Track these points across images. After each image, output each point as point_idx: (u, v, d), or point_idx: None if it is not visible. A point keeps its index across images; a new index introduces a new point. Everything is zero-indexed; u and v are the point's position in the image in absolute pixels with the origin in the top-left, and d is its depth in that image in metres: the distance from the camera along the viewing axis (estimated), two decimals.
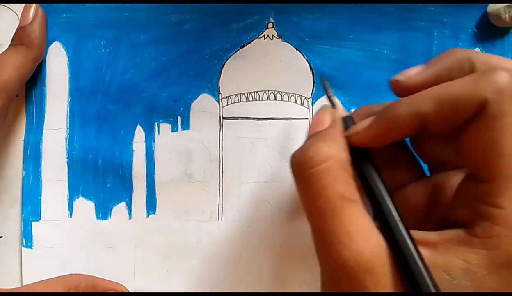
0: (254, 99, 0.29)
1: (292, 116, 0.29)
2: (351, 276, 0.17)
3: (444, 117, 0.18)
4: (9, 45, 0.28)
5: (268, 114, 0.29)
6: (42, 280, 0.27)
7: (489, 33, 0.29)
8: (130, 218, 0.29)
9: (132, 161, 0.29)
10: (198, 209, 0.29)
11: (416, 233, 0.18)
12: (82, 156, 0.29)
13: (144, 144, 0.29)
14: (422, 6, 0.29)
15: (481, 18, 0.29)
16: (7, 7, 0.29)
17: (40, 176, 0.29)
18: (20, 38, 0.27)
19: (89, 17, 0.29)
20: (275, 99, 0.29)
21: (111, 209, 0.29)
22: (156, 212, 0.29)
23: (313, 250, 0.19)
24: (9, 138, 0.29)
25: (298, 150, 0.20)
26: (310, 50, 0.29)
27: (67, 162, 0.29)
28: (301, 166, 0.19)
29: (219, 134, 0.29)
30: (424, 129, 0.19)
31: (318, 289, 0.19)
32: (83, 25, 0.29)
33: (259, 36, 0.29)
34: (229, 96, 0.29)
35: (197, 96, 0.29)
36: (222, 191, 0.29)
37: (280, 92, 0.29)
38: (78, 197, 0.29)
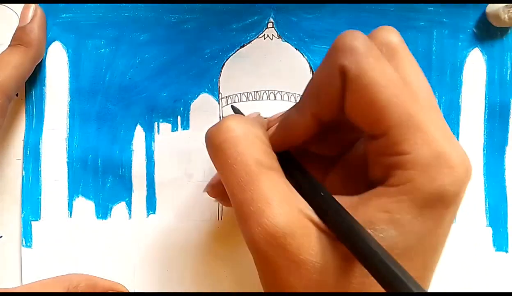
0: (254, 99, 0.29)
1: None
2: (272, 242, 0.17)
3: (324, 103, 0.18)
4: (9, 45, 0.28)
5: (268, 114, 0.29)
6: (42, 280, 0.27)
7: (488, 33, 0.29)
8: (130, 217, 0.29)
9: (132, 160, 0.29)
10: (198, 209, 0.29)
11: (338, 198, 0.18)
12: (82, 155, 0.29)
13: (144, 144, 0.29)
14: (421, 6, 0.29)
15: (480, 18, 0.29)
16: (7, 7, 0.29)
17: (40, 176, 0.29)
18: (19, 38, 0.27)
19: (89, 17, 0.29)
20: (275, 99, 0.29)
21: (111, 208, 0.29)
22: (156, 212, 0.29)
23: None
24: (9, 138, 0.29)
25: (213, 125, 0.20)
26: (310, 50, 0.29)
27: (67, 162, 0.29)
28: (216, 134, 0.19)
29: None
30: (321, 125, 0.19)
31: None
32: (83, 25, 0.29)
33: (259, 36, 0.29)
34: (229, 96, 0.29)
35: (197, 96, 0.29)
36: None
37: (280, 92, 0.29)
38: (78, 197, 0.29)
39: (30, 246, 0.29)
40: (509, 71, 0.29)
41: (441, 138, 0.17)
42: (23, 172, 0.29)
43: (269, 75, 0.29)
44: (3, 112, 0.27)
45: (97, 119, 0.29)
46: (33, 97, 0.29)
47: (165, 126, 0.29)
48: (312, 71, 0.29)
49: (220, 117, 0.29)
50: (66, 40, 0.29)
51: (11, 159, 0.29)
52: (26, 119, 0.29)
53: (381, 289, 0.15)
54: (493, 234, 0.29)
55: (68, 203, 0.29)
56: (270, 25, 0.29)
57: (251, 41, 0.29)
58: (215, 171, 0.29)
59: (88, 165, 0.29)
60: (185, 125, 0.29)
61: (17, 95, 0.29)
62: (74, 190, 0.29)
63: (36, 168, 0.29)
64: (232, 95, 0.29)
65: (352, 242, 0.17)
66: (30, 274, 0.29)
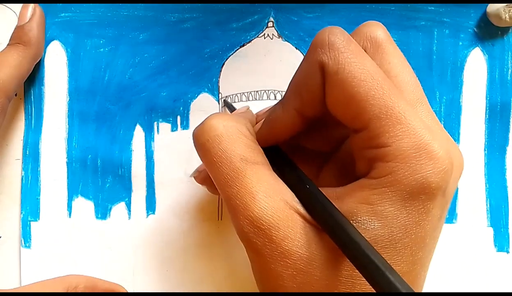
0: (254, 99, 0.29)
1: None
2: (258, 233, 0.18)
3: (306, 99, 0.19)
4: (7, 44, 0.27)
5: None
6: (41, 281, 0.27)
7: (488, 32, 0.29)
8: (129, 218, 0.29)
9: (131, 160, 0.29)
10: (198, 209, 0.29)
11: (323, 190, 0.19)
12: (81, 155, 0.29)
13: (143, 144, 0.29)
14: (422, 5, 0.29)
15: (481, 17, 0.29)
16: (7, 6, 0.29)
17: (39, 176, 0.29)
18: (18, 37, 0.27)
19: (88, 16, 0.29)
20: (275, 98, 0.29)
21: (110, 209, 0.29)
22: (156, 212, 0.29)
23: None
24: (8, 138, 0.29)
25: (198, 125, 0.21)
26: None
27: (66, 162, 0.29)
28: (201, 134, 0.20)
29: None
30: (306, 121, 0.20)
31: None
32: (82, 24, 0.29)
33: (259, 35, 0.29)
34: (229, 95, 0.29)
35: (197, 96, 0.29)
36: None
37: (280, 92, 0.29)
38: (77, 197, 0.29)
39: (29, 247, 0.29)
40: (510, 70, 0.29)
41: (422, 130, 0.17)
42: (22, 172, 0.29)
43: (269, 75, 0.29)
44: (2, 112, 0.26)
45: (96, 119, 0.29)
46: (32, 97, 0.29)
47: (164, 126, 0.29)
48: None
49: None
50: (65, 39, 0.29)
51: (10, 159, 0.29)
52: (25, 119, 0.29)
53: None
54: (494, 234, 0.29)
55: (68, 203, 0.29)
56: (270, 24, 0.29)
57: (251, 40, 0.29)
58: None
59: (87, 165, 0.29)
60: (185, 125, 0.29)
61: (16, 95, 0.29)
62: (73, 190, 0.29)
63: (35, 168, 0.29)
64: (232, 95, 0.29)
65: (335, 233, 0.17)
66: (29, 274, 0.29)
